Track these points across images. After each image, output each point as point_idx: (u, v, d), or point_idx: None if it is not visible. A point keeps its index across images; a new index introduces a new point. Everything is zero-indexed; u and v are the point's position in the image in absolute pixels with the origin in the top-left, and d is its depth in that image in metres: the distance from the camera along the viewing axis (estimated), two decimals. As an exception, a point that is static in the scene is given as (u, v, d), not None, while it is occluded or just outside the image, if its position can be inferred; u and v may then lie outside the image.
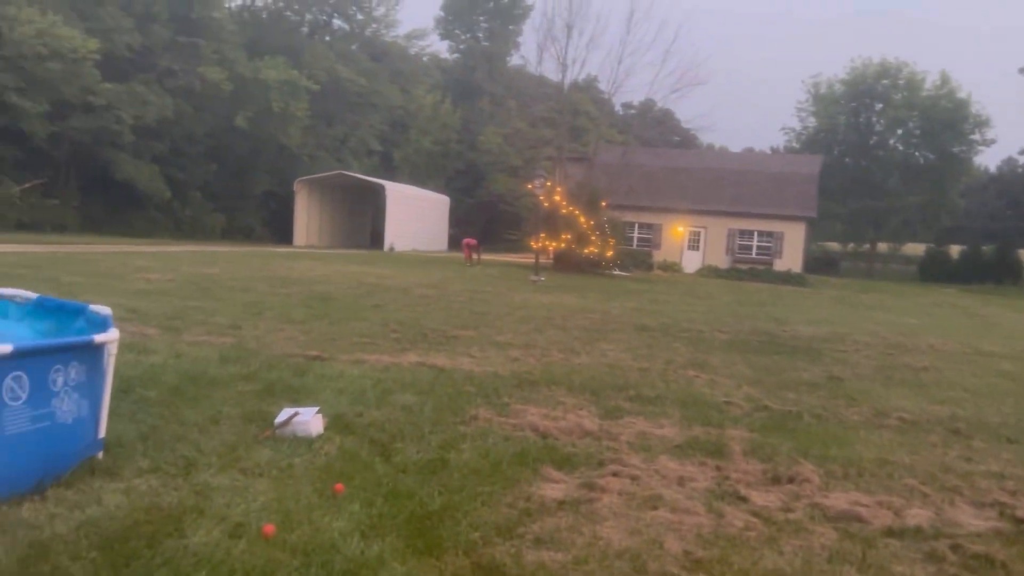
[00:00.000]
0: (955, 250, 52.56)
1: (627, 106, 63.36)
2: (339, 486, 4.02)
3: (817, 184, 40.08)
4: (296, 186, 41.19)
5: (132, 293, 11.97)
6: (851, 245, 61.02)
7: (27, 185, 30.60)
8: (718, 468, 5.02)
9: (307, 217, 42.44)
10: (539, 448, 5.07)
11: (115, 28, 31.43)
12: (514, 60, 60.68)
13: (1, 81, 26.30)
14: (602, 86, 48.65)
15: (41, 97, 27.80)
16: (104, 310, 4.75)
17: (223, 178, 40.07)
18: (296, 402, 5.72)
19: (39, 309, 5.13)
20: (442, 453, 4.78)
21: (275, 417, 5.02)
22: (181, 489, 3.84)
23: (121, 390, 5.59)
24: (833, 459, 5.42)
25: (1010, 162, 67.83)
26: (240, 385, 6.11)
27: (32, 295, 5.21)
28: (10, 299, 5.24)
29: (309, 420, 4.90)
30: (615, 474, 4.66)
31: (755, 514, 4.25)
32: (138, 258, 20.13)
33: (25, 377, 3.51)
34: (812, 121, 58.19)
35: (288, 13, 46.22)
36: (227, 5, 39.87)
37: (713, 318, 15.76)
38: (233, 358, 7.08)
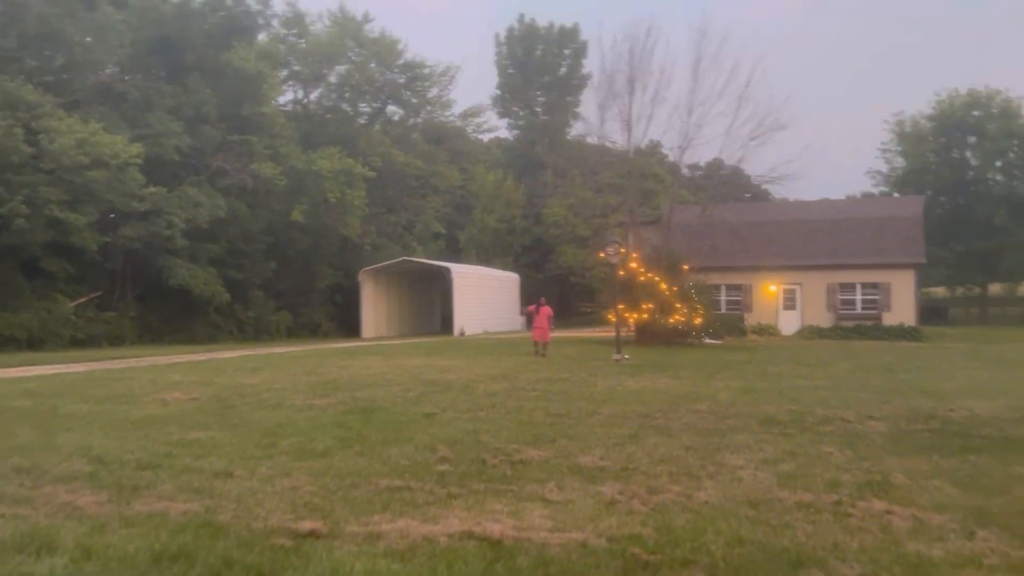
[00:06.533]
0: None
1: (694, 167, 60.85)
2: None
3: (922, 226, 36.24)
4: (360, 277, 39.70)
5: (127, 425, 9.74)
6: (960, 290, 55.88)
7: (81, 300, 29.60)
8: None
9: (374, 308, 40.77)
10: None
11: (164, 133, 30.68)
12: (575, 130, 59.23)
13: (44, 196, 25.37)
14: (667, 150, 46.41)
15: (88, 208, 26.85)
16: None
17: (285, 275, 38.81)
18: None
19: None
20: None
21: None
22: None
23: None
24: None
25: None
26: (149, 625, 3.56)
27: None
28: None
29: None
30: None
31: None
32: (178, 371, 18.18)
33: None
34: (900, 162, 54.28)
35: (343, 105, 45.70)
36: (279, 100, 39.33)
37: (847, 396, 12.66)
38: (173, 552, 4.55)
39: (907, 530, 5.17)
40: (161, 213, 29.34)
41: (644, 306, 27.25)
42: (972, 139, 51.30)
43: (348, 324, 41.42)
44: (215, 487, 6.30)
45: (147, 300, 32.90)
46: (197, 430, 9.26)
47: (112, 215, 29.28)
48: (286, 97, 43.41)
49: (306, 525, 5.12)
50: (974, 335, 35.70)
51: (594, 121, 38.15)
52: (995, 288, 55.26)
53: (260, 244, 36.75)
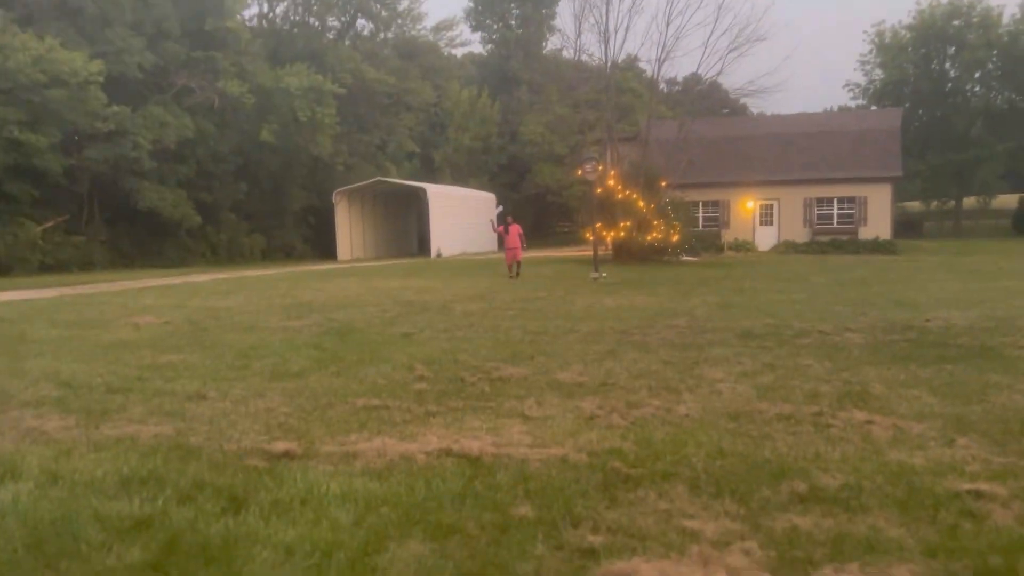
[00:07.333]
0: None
1: (671, 83, 59.91)
2: None
3: (899, 140, 36.05)
4: (335, 198, 39.02)
5: (97, 349, 9.52)
6: (934, 203, 56.18)
7: (49, 224, 28.88)
8: None
9: (349, 229, 40.24)
10: None
11: (125, 49, 29.40)
12: (551, 44, 57.81)
13: (2, 116, 24.33)
14: (644, 64, 45.49)
15: (49, 128, 25.90)
16: None
17: (257, 197, 38.05)
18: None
19: None
20: None
21: None
22: None
23: None
24: None
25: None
26: (116, 551, 3.44)
27: None
28: None
29: None
30: None
31: None
32: (150, 294, 17.89)
33: None
34: (879, 73, 53.61)
35: (310, 19, 44.02)
36: (244, 14, 37.79)
37: (823, 309, 12.69)
38: (143, 476, 4.42)
39: (888, 439, 5.15)
40: (126, 134, 28.40)
41: (622, 224, 27.11)
42: (951, 49, 50.70)
43: (323, 246, 40.95)
44: (187, 410, 6.17)
45: (117, 223, 32.20)
46: (169, 353, 9.07)
47: (76, 136, 28.31)
48: (251, 11, 41.82)
49: (280, 446, 5.00)
50: (948, 248, 36.07)
51: (570, 33, 37.24)
52: (969, 202, 55.64)
53: (230, 165, 35.89)
